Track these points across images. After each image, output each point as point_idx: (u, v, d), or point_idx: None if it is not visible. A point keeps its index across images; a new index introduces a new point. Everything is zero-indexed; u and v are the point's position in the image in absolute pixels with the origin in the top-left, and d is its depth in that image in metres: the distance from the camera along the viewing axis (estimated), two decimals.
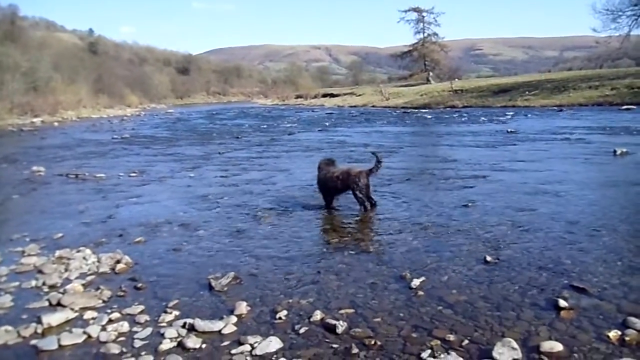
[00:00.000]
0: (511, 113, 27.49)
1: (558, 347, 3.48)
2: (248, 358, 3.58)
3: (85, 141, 22.55)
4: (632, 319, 3.77)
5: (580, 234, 6.03)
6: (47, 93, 47.20)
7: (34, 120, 39.69)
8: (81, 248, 6.24)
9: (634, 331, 3.63)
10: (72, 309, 4.50)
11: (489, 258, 5.29)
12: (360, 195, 7.51)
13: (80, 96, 54.88)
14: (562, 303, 4.09)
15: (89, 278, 5.33)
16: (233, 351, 3.68)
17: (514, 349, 3.44)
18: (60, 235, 6.99)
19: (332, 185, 7.73)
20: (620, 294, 4.31)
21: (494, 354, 3.39)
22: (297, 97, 73.52)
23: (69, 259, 5.88)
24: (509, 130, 18.52)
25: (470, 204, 7.72)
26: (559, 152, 12.84)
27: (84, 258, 5.89)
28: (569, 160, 11.59)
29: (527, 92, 35.75)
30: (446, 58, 75.55)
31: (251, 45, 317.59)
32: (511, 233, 6.20)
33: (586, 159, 11.61)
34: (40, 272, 5.52)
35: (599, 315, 3.95)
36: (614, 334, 3.63)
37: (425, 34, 72.36)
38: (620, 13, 38.50)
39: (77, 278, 5.32)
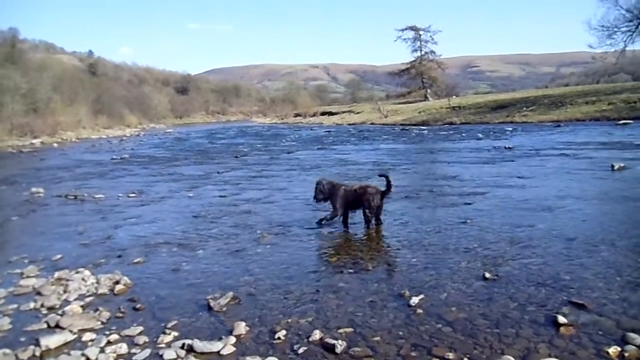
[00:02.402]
0: (509, 129, 27.62)
1: None
2: None
3: (85, 162, 22.60)
4: (632, 335, 3.77)
5: (578, 249, 6.04)
6: (46, 114, 47.33)
7: (34, 141, 39.76)
8: (80, 269, 6.23)
9: (634, 347, 3.63)
10: (70, 331, 4.48)
11: (487, 275, 5.29)
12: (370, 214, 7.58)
13: (79, 117, 55.04)
14: (562, 319, 4.09)
15: (87, 299, 5.32)
16: None
17: None
18: (59, 256, 6.98)
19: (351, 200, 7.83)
20: (620, 309, 4.31)
21: None
22: (296, 115, 73.89)
23: (67, 280, 5.87)
24: (507, 146, 18.59)
25: (468, 221, 7.73)
26: (557, 168, 12.88)
27: (83, 279, 5.88)
28: (567, 175, 11.62)
29: (524, 108, 35.95)
30: (443, 75, 76.13)
31: (250, 64, 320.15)
32: (510, 249, 6.21)
33: (584, 174, 11.64)
34: (39, 293, 5.51)
35: (598, 331, 3.95)
36: (613, 350, 3.62)
37: (423, 52, 73.05)
38: (615, 29, 38.90)
39: (75, 299, 5.31)
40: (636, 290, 4.70)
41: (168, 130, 59.59)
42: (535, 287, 4.95)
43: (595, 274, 5.19)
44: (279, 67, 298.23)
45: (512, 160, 14.90)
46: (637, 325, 3.97)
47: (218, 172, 16.16)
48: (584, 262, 5.57)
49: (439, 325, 4.23)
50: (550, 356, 3.59)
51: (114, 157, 24.16)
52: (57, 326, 4.61)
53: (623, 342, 3.73)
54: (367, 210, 7.57)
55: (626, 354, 3.56)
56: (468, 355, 3.70)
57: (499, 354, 3.66)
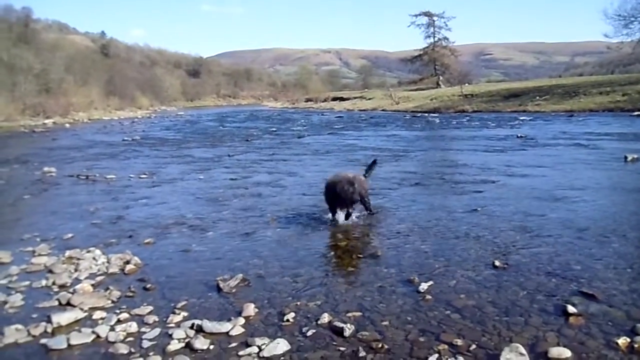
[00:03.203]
0: (522, 118, 27.39)
1: (566, 353, 3.46)
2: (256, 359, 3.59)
3: (96, 143, 22.73)
4: None
5: (590, 240, 6.00)
6: (59, 95, 47.64)
7: (46, 121, 40.05)
8: (91, 248, 6.28)
9: None
10: (81, 309, 4.53)
11: (497, 263, 5.28)
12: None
13: (91, 98, 55.35)
14: (571, 309, 4.07)
15: (98, 278, 5.36)
16: (240, 353, 3.69)
17: (521, 354, 3.42)
18: (70, 235, 7.05)
19: None
20: (630, 300, 4.28)
21: (502, 359, 3.38)
22: (307, 100, 73.71)
23: (78, 259, 5.92)
24: (519, 135, 18.45)
25: (479, 209, 7.70)
26: (569, 158, 12.78)
27: (94, 258, 5.93)
28: (579, 165, 11.52)
29: (537, 97, 35.60)
30: (456, 62, 75.43)
31: (261, 48, 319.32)
32: (520, 238, 6.18)
33: (596, 164, 11.54)
34: (50, 271, 5.56)
35: (607, 322, 3.93)
36: (622, 341, 3.60)
37: (436, 38, 72.44)
38: (632, 19, 38.36)
39: (86, 278, 5.35)
40: None
41: (179, 113, 59.71)
42: (545, 276, 4.92)
43: (606, 264, 5.16)
44: (290, 52, 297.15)
45: (524, 149, 14.79)
46: None
47: (229, 155, 16.19)
48: (595, 253, 5.53)
49: (448, 312, 4.23)
50: (559, 345, 3.58)
51: (126, 138, 24.28)
52: (68, 304, 4.66)
53: (633, 333, 3.71)
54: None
55: (636, 345, 3.54)
56: (476, 342, 3.69)
57: (507, 342, 3.65)
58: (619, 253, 5.49)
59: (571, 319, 3.99)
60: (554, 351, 3.48)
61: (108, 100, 61.47)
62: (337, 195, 6.92)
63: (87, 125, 38.62)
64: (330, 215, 7.36)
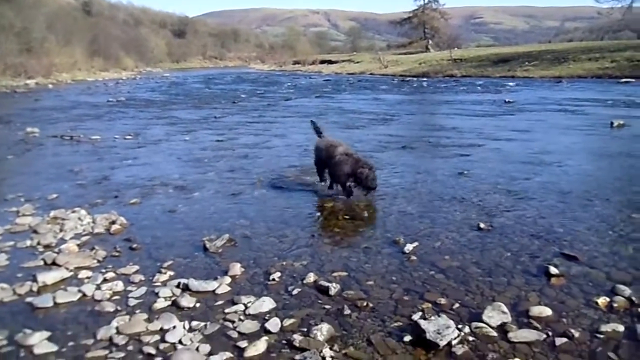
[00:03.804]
0: (510, 84, 27.32)
1: (547, 312, 3.54)
2: (241, 317, 3.62)
3: (80, 104, 22.37)
4: (621, 287, 3.82)
5: (573, 203, 6.07)
6: (41, 54, 46.48)
7: (28, 82, 39.18)
8: (76, 209, 6.25)
9: (622, 298, 3.69)
10: (67, 269, 4.52)
11: (482, 225, 5.33)
12: None
13: (75, 58, 54.14)
14: (553, 270, 4.14)
15: (83, 238, 5.35)
16: (227, 310, 3.73)
17: (503, 312, 3.49)
18: (55, 195, 6.99)
19: None
20: (611, 262, 4.36)
21: (484, 317, 3.45)
22: (295, 63, 72.81)
23: (63, 219, 5.89)
24: (507, 100, 18.43)
25: (465, 172, 7.73)
26: (556, 123, 12.81)
27: (79, 219, 5.90)
28: (566, 131, 11.57)
29: (526, 63, 35.42)
30: (446, 26, 74.54)
31: (249, 8, 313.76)
32: (505, 201, 6.23)
33: (583, 130, 11.59)
34: (35, 232, 5.54)
35: (588, 282, 4.00)
36: (602, 300, 3.68)
37: (426, 0, 71.32)
38: None
39: (72, 238, 5.34)
40: (627, 244, 4.75)
41: (165, 75, 58.82)
42: (528, 238, 4.99)
43: (589, 227, 5.23)
44: (278, 12, 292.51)
45: (512, 114, 14.80)
46: (627, 278, 4.03)
47: (215, 117, 16.04)
48: (578, 216, 5.61)
49: (432, 272, 4.28)
50: (540, 304, 3.65)
51: (110, 99, 23.91)
52: (54, 263, 4.65)
53: (612, 293, 3.79)
54: None
55: (615, 305, 3.62)
56: (459, 301, 3.76)
57: (490, 301, 3.71)
58: (602, 216, 5.57)
59: (553, 279, 4.06)
60: (535, 310, 3.55)
61: (92, 60, 60.13)
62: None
63: (70, 86, 37.93)
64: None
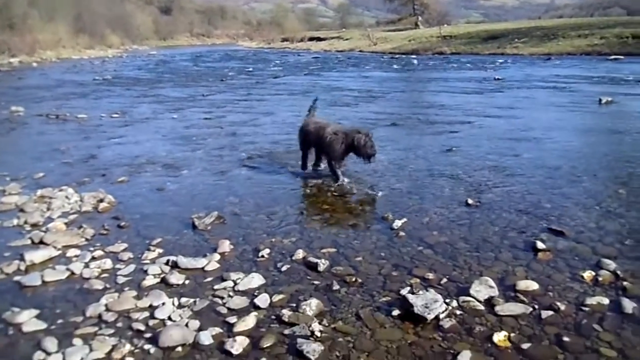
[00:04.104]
0: (499, 61, 27.27)
1: (534, 286, 3.58)
2: (230, 293, 3.63)
3: (66, 82, 22.05)
4: (606, 261, 3.87)
5: (561, 179, 6.11)
6: (24, 31, 45.54)
7: (11, 60, 38.43)
8: (63, 187, 6.19)
9: (608, 272, 3.73)
10: (54, 247, 4.50)
11: (470, 201, 5.36)
12: None
13: (59, 36, 53.14)
14: (540, 245, 4.18)
15: (71, 217, 5.31)
16: (216, 287, 3.73)
17: (490, 287, 3.53)
18: (41, 174, 6.92)
19: None
20: (597, 237, 4.41)
21: (471, 292, 3.48)
22: (283, 40, 72.06)
23: (51, 198, 5.84)
24: (497, 77, 18.41)
25: (454, 149, 7.75)
26: (545, 100, 12.83)
27: (67, 197, 5.85)
28: (554, 108, 11.59)
29: (516, 40, 35.30)
30: (436, 2, 73.73)
31: None
32: (493, 177, 6.26)
33: (571, 107, 11.62)
34: (21, 210, 5.49)
35: (574, 257, 4.05)
36: (588, 274, 3.73)
37: None
38: None
39: (59, 217, 5.30)
40: (614, 219, 4.79)
41: (151, 52, 57.99)
42: (516, 214, 5.02)
43: (576, 203, 5.28)
44: None
45: (501, 92, 14.80)
46: (612, 252, 4.08)
47: (203, 95, 15.90)
48: (565, 192, 5.65)
49: (420, 248, 4.31)
50: (527, 279, 3.69)
51: (96, 77, 23.60)
52: (41, 242, 4.62)
53: (598, 267, 3.83)
54: None
55: (600, 279, 3.66)
56: (447, 276, 3.79)
57: (477, 275, 3.75)
58: (589, 192, 5.62)
59: (540, 254, 4.10)
60: (522, 284, 3.59)
61: (77, 38, 59.07)
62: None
63: (55, 65, 37.37)
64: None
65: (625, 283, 3.59)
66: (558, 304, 3.32)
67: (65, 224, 5.09)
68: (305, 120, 6.87)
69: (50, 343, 3.07)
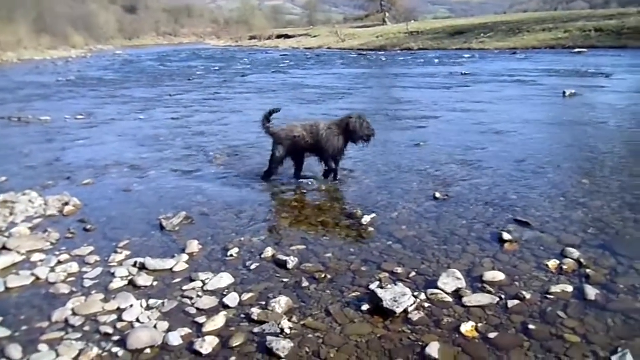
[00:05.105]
0: (466, 56, 27.63)
1: (500, 276, 3.63)
2: (199, 294, 3.60)
3: (28, 84, 21.54)
4: (570, 250, 3.95)
5: (526, 171, 6.22)
6: None
7: None
8: (27, 191, 6.03)
9: (572, 260, 3.81)
10: (18, 252, 4.39)
11: (438, 195, 5.41)
12: None
13: (19, 36, 51.92)
14: (506, 236, 4.25)
15: (35, 221, 5.19)
16: (185, 287, 3.69)
17: (458, 279, 3.57)
18: (3, 179, 6.75)
19: None
20: (561, 226, 4.50)
21: (439, 284, 3.52)
22: (251, 38, 71.80)
23: (14, 202, 5.68)
24: (463, 72, 18.66)
25: (422, 144, 7.82)
26: (511, 94, 13.06)
27: (30, 201, 5.71)
28: (520, 101, 11.80)
29: (482, 35, 35.85)
30: None
31: None
32: (461, 171, 6.34)
33: (536, 100, 11.85)
34: None
35: (540, 247, 4.12)
36: (552, 263, 3.80)
37: None
38: None
39: (23, 221, 5.17)
40: (577, 209, 4.90)
41: (117, 52, 57.04)
42: (483, 206, 5.10)
43: (541, 194, 5.38)
44: None
45: (468, 86, 15.00)
46: (576, 241, 4.17)
47: (170, 95, 15.71)
48: (531, 183, 5.75)
49: (389, 243, 4.33)
50: (494, 269, 3.75)
51: (60, 79, 23.13)
52: (4, 248, 4.50)
53: (562, 256, 3.91)
54: None
55: (564, 267, 3.74)
56: (416, 270, 3.82)
57: (445, 268, 3.79)
58: (553, 183, 5.73)
59: (506, 245, 4.17)
60: (489, 275, 3.65)
61: (39, 38, 57.78)
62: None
63: (16, 66, 36.52)
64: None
65: (588, 270, 3.67)
66: (524, 293, 3.38)
67: (30, 228, 4.98)
68: (281, 128, 6.38)
69: (15, 350, 3.00)
